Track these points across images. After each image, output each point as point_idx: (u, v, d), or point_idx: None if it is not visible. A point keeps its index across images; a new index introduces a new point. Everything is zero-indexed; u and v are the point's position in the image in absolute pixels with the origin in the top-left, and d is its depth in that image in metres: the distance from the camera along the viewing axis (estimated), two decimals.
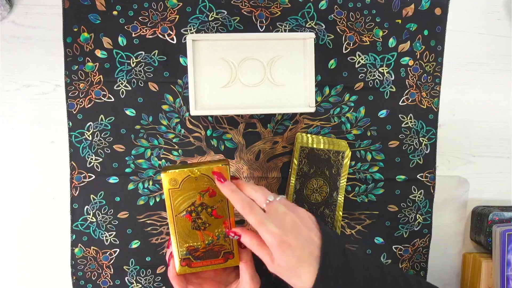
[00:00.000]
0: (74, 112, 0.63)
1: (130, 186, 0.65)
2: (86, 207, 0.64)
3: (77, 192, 0.64)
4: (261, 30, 0.64)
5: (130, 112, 0.64)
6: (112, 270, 0.65)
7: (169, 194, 0.50)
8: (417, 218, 0.68)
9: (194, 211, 0.51)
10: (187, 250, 0.52)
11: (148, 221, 0.65)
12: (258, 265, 0.53)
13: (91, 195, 0.64)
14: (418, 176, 0.67)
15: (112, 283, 0.66)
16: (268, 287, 0.54)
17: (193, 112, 0.60)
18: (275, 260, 0.46)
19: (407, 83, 0.66)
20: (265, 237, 0.46)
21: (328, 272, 0.45)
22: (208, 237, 0.52)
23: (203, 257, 0.52)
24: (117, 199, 0.65)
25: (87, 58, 0.63)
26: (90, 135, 0.64)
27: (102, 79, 0.63)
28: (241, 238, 0.49)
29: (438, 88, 0.66)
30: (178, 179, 0.50)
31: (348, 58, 0.65)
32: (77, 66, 0.63)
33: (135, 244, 0.65)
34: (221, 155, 0.65)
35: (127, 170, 0.64)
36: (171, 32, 0.63)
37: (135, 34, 0.63)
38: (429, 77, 0.66)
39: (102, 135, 0.64)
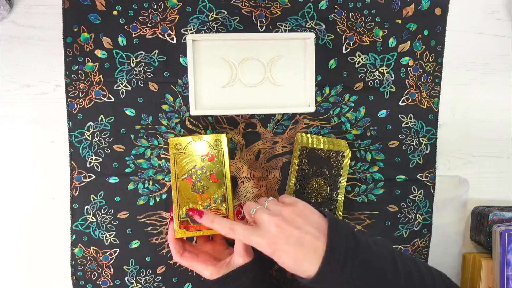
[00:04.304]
0: (74, 112, 0.63)
1: (130, 186, 0.65)
2: (86, 207, 0.64)
3: (77, 192, 0.64)
4: (261, 30, 0.64)
5: (130, 112, 0.64)
6: (112, 270, 0.65)
7: (173, 157, 0.57)
8: (417, 218, 0.68)
9: (194, 174, 0.57)
10: (186, 212, 0.56)
11: (148, 221, 0.65)
12: None
13: (91, 195, 0.64)
14: (418, 176, 0.67)
15: (112, 283, 0.66)
16: (262, 261, 0.55)
17: (193, 112, 0.60)
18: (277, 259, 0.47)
19: (407, 83, 0.66)
20: (259, 248, 0.47)
21: (334, 256, 0.45)
22: (205, 200, 0.56)
23: None
24: (117, 199, 0.65)
25: (87, 58, 0.63)
26: (90, 135, 0.64)
27: (102, 79, 0.63)
28: (236, 230, 0.50)
29: (438, 88, 0.66)
30: (182, 144, 0.57)
31: (348, 58, 0.65)
32: (77, 66, 0.63)
33: (135, 244, 0.65)
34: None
35: (127, 170, 0.64)
36: (171, 32, 0.63)
37: (135, 34, 0.63)
38: (429, 77, 0.66)
39: (102, 135, 0.64)
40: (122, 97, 0.64)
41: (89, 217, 0.65)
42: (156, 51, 0.63)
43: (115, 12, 0.62)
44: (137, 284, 0.66)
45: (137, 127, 0.64)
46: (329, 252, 0.45)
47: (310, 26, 0.65)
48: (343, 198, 0.65)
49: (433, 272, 0.49)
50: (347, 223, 0.57)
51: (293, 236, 0.46)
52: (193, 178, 0.57)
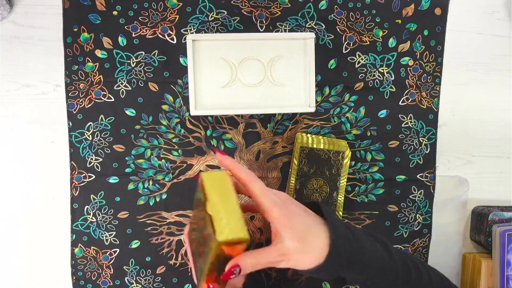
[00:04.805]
0: (74, 112, 0.63)
1: (130, 186, 0.65)
2: (86, 207, 0.64)
3: (77, 192, 0.64)
4: (261, 30, 0.64)
5: (130, 112, 0.64)
6: (112, 270, 0.65)
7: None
8: (417, 218, 0.68)
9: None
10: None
11: (148, 221, 0.65)
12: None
13: (91, 195, 0.64)
14: (418, 176, 0.67)
15: (112, 283, 0.66)
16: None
17: (193, 112, 0.60)
18: (283, 240, 0.43)
19: (407, 83, 0.66)
20: (269, 209, 0.43)
21: (339, 236, 0.44)
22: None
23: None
24: (117, 199, 0.65)
25: (87, 58, 0.63)
26: (90, 135, 0.64)
27: (102, 79, 0.63)
28: (242, 265, 0.42)
29: (438, 88, 0.66)
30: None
31: (348, 58, 0.65)
32: (77, 66, 0.63)
33: (135, 244, 0.65)
34: None
35: (127, 170, 0.64)
36: (171, 32, 0.63)
37: (135, 34, 0.63)
38: (429, 77, 0.66)
39: (102, 135, 0.64)
40: (122, 97, 0.64)
41: (89, 217, 0.65)
42: (156, 51, 0.63)
43: (115, 12, 0.62)
44: (137, 284, 0.66)
45: (137, 127, 0.64)
46: (333, 225, 0.45)
47: (310, 26, 0.65)
48: (343, 198, 0.65)
49: (427, 267, 0.50)
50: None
51: (300, 206, 0.47)
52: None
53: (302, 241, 0.43)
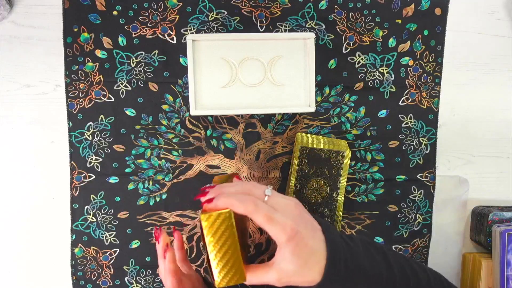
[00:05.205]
0: (74, 112, 0.63)
1: (130, 186, 0.65)
2: (86, 207, 0.64)
3: (77, 192, 0.64)
4: (261, 30, 0.64)
5: (130, 112, 0.64)
6: (112, 270, 0.65)
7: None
8: (417, 218, 0.68)
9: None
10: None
11: (148, 221, 0.65)
12: None
13: (91, 195, 0.64)
14: (418, 176, 0.67)
15: (112, 283, 0.66)
16: None
17: (193, 112, 0.60)
18: (283, 262, 0.42)
19: (407, 83, 0.66)
20: (276, 234, 0.42)
21: (336, 255, 0.43)
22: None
23: None
24: (117, 199, 0.65)
25: (87, 58, 0.63)
26: (90, 135, 0.64)
27: (102, 79, 0.63)
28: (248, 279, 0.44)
29: (438, 88, 0.66)
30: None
31: (348, 58, 0.65)
32: (77, 66, 0.63)
33: (135, 244, 0.65)
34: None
35: (127, 170, 0.64)
36: (171, 32, 0.63)
37: (135, 34, 0.63)
38: (429, 77, 0.66)
39: (102, 135, 0.64)
40: (122, 97, 0.64)
41: (89, 217, 0.65)
42: (156, 51, 0.63)
43: (115, 12, 0.62)
44: (137, 284, 0.66)
45: (137, 127, 0.64)
46: (331, 242, 0.43)
47: (310, 26, 0.65)
48: (343, 198, 0.65)
49: (427, 271, 0.49)
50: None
51: (308, 222, 0.44)
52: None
53: (303, 266, 0.42)
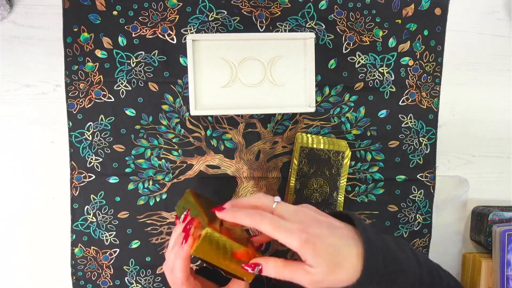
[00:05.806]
0: (74, 112, 0.63)
1: (130, 186, 0.65)
2: (86, 207, 0.64)
3: (77, 192, 0.64)
4: (261, 30, 0.64)
5: (130, 112, 0.64)
6: (112, 270, 0.65)
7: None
8: (417, 218, 0.68)
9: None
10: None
11: (148, 221, 0.65)
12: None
13: (91, 195, 0.64)
14: (418, 176, 0.67)
15: (112, 283, 0.66)
16: None
17: (193, 112, 0.60)
18: (311, 265, 0.41)
19: (407, 83, 0.66)
20: (287, 241, 0.41)
21: (373, 249, 0.41)
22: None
23: None
24: (117, 199, 0.65)
25: (87, 58, 0.63)
26: (90, 135, 0.64)
27: (102, 79, 0.63)
28: (264, 268, 0.43)
29: (438, 88, 0.66)
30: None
31: (348, 58, 0.65)
32: (77, 66, 0.63)
33: (135, 244, 0.65)
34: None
35: (127, 170, 0.64)
36: (171, 32, 0.63)
37: (135, 34, 0.63)
38: (429, 77, 0.66)
39: (102, 135, 0.64)
40: (122, 97, 0.64)
41: (89, 217, 0.65)
42: (156, 51, 0.63)
43: (115, 12, 0.62)
44: (137, 284, 0.66)
45: (137, 127, 0.64)
46: (367, 238, 0.41)
47: (310, 26, 0.65)
48: (343, 198, 0.65)
49: (445, 271, 0.48)
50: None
51: (323, 222, 0.43)
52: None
53: (332, 265, 0.40)
